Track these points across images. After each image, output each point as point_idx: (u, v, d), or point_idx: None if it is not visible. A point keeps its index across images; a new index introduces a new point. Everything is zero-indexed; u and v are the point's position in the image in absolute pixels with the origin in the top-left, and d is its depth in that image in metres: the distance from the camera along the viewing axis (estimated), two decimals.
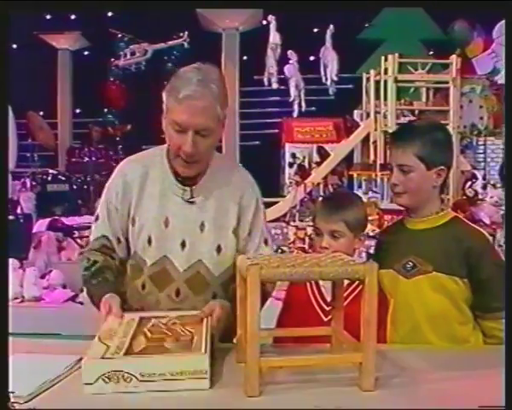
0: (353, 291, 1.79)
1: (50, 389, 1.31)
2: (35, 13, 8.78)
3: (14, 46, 8.70)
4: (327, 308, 1.82)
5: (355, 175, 7.08)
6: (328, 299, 1.76)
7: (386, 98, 6.95)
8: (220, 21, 9.89)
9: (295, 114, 9.52)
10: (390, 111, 6.87)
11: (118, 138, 10.51)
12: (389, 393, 1.30)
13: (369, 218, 4.08)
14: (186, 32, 9.87)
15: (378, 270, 1.33)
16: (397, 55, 7.00)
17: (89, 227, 1.81)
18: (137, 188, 1.75)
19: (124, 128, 10.62)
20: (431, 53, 9.37)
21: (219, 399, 1.27)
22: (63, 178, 7.97)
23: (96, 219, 1.80)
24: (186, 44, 9.94)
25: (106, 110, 10.82)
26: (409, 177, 1.79)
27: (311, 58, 9.63)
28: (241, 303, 1.44)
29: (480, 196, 6.20)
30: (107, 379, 1.27)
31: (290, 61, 9.29)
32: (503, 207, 5.50)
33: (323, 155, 7.83)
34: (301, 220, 6.13)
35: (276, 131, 9.59)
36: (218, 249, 1.75)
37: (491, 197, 6.11)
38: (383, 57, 7.08)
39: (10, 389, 1.23)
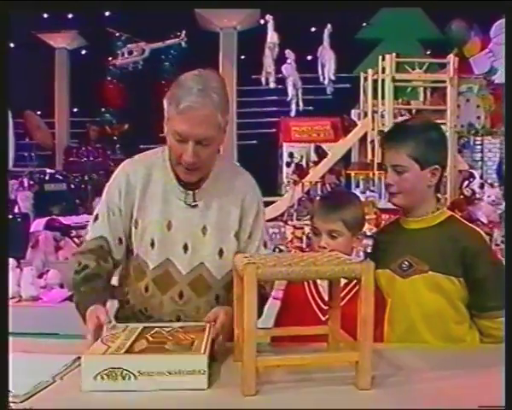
0: (351, 291, 1.79)
1: (47, 389, 1.30)
2: (34, 12, 8.76)
3: (12, 45, 8.67)
4: (325, 307, 1.81)
5: (353, 174, 7.08)
6: (326, 298, 1.76)
7: (383, 98, 6.97)
8: (218, 21, 9.89)
9: (293, 114, 9.53)
10: (387, 110, 6.89)
11: (115, 138, 10.52)
12: (385, 392, 1.30)
13: (367, 217, 4.09)
14: (184, 32, 9.86)
15: (375, 269, 1.33)
16: (394, 54, 7.02)
17: (86, 226, 1.79)
18: (140, 189, 1.73)
19: (121, 127, 10.62)
20: (428, 52, 9.39)
21: (217, 398, 1.27)
22: (61, 178, 7.96)
23: (96, 218, 1.76)
24: (184, 44, 9.93)
25: (103, 109, 10.81)
26: (403, 177, 1.78)
27: (309, 57, 9.65)
28: (238, 302, 1.44)
29: (477, 196, 6.21)
30: (105, 376, 1.27)
31: (288, 61, 9.30)
32: (501, 207, 5.52)
33: (321, 154, 7.86)
34: (299, 220, 6.14)
35: (274, 130, 9.62)
36: (220, 253, 1.74)
37: (489, 196, 6.12)
38: (381, 57, 7.09)
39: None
